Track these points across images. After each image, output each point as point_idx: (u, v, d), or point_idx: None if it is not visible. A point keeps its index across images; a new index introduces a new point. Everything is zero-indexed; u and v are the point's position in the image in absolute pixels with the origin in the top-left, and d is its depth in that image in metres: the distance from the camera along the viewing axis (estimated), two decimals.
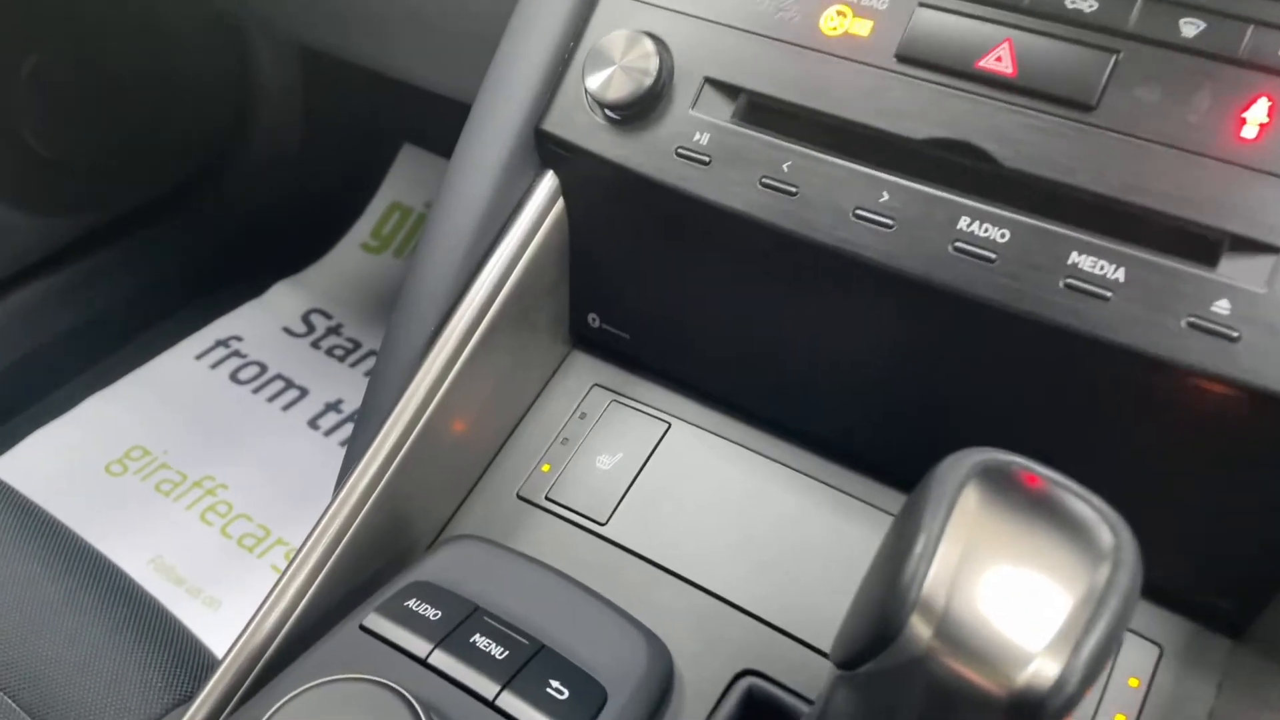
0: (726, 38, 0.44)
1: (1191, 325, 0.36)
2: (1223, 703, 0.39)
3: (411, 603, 0.42)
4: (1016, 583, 0.28)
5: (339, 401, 1.27)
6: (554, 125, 0.47)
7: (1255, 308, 0.35)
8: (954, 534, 0.29)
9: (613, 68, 0.45)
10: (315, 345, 1.35)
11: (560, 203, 0.49)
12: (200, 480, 1.15)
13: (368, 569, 0.46)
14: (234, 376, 1.29)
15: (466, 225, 0.48)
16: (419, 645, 0.40)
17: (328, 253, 1.48)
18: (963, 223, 0.39)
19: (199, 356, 1.31)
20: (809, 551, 0.44)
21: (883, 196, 0.40)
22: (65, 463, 1.15)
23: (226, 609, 1.03)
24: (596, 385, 0.52)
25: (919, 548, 0.28)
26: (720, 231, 0.44)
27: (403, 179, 1.51)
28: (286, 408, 1.26)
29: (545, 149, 0.48)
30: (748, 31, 0.44)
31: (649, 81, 0.44)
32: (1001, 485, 0.29)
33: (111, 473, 1.16)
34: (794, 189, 0.42)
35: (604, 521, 0.47)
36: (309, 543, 0.44)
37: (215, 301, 1.38)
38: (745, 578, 0.44)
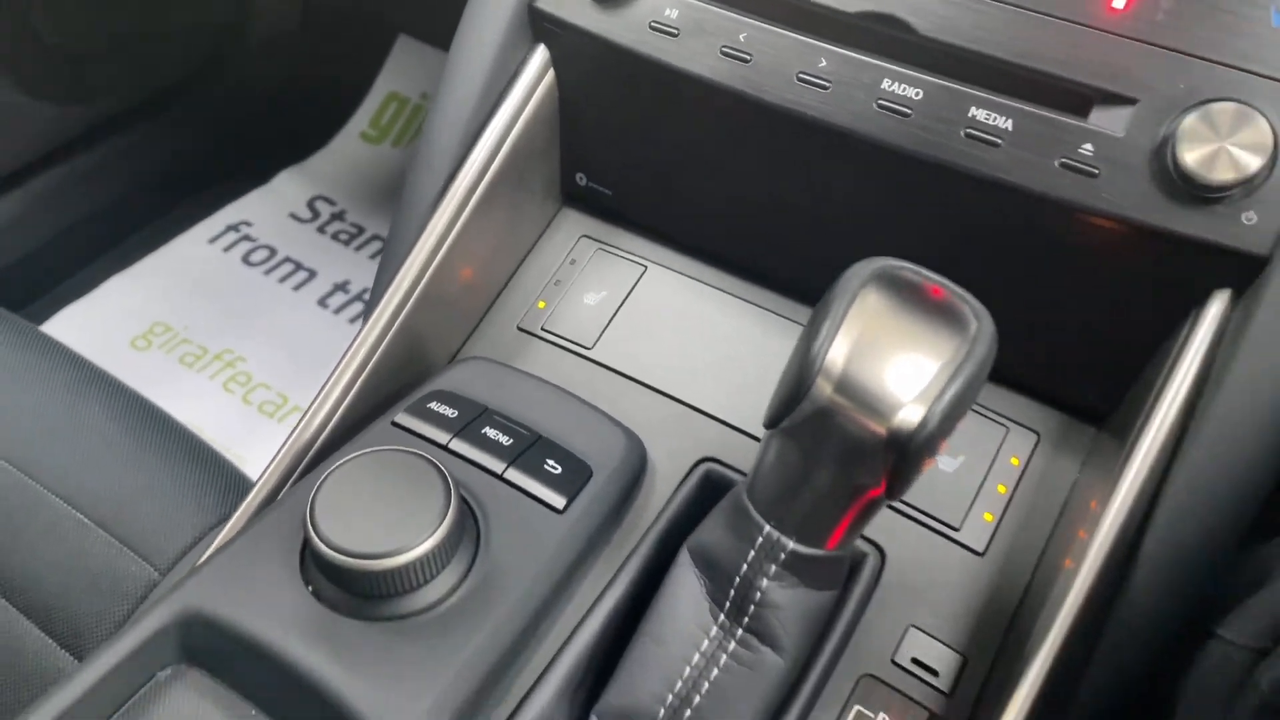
0: None
1: (1063, 165, 0.44)
2: (1084, 476, 0.48)
3: (433, 404, 0.51)
4: (897, 353, 0.37)
5: (346, 282, 1.35)
6: (546, 4, 0.54)
7: (1114, 149, 0.43)
8: (852, 319, 0.37)
9: None
10: (321, 230, 1.43)
11: (550, 74, 0.56)
12: (220, 353, 1.24)
13: (392, 385, 0.55)
14: (246, 259, 1.37)
15: (469, 96, 0.56)
16: (440, 435, 0.49)
17: (329, 142, 1.54)
18: (885, 84, 0.47)
19: (212, 240, 1.38)
20: (758, 365, 0.53)
21: (821, 63, 0.48)
22: (92, 338, 1.23)
23: (251, 465, 1.13)
24: (584, 236, 0.61)
25: (825, 329, 0.37)
26: (687, 95, 0.51)
27: (399, 70, 1.56)
28: (297, 288, 1.34)
29: (538, 25, 0.55)
30: None
31: None
32: (892, 283, 0.38)
33: (136, 347, 1.24)
34: (748, 56, 0.49)
35: (590, 346, 0.56)
36: (341, 363, 0.53)
37: (225, 189, 1.44)
38: (706, 387, 0.53)
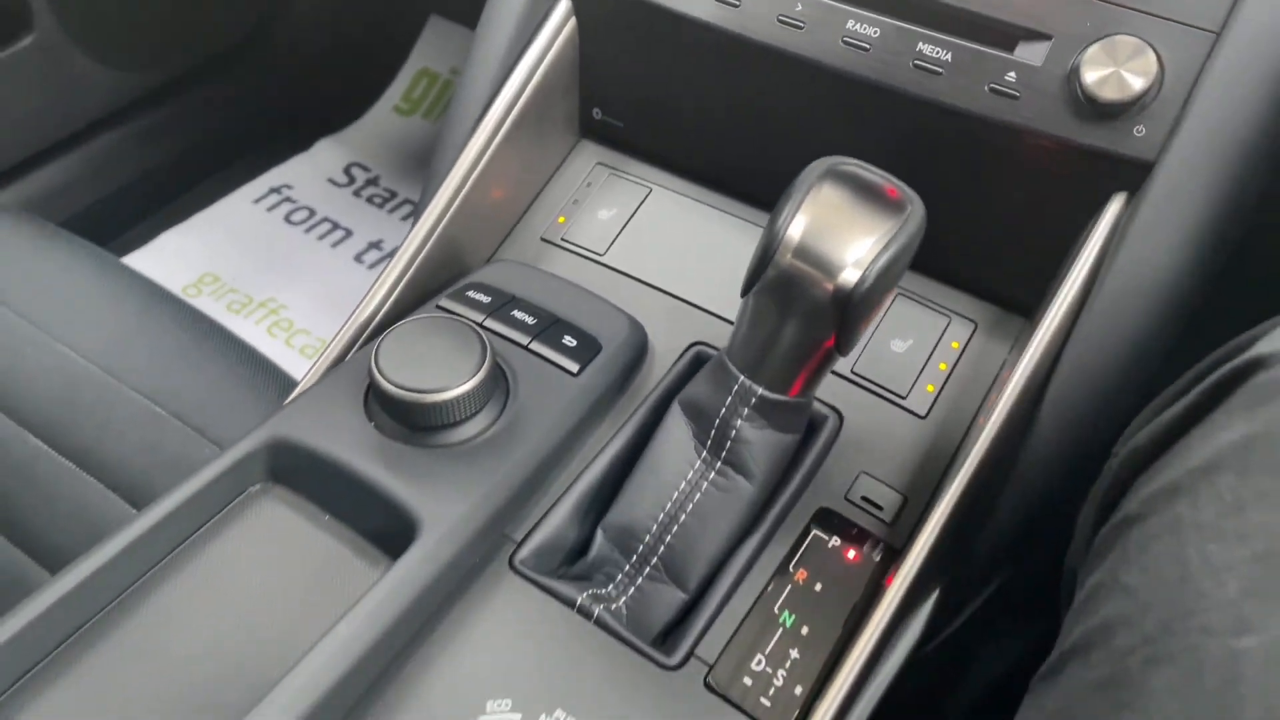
0: None
1: (991, 90, 0.54)
2: (1010, 356, 0.58)
3: (470, 292, 0.61)
4: (842, 229, 0.46)
5: (380, 241, 1.45)
6: None
7: (1032, 77, 0.53)
8: (808, 203, 0.46)
9: None
10: (356, 194, 1.53)
11: (572, 22, 0.66)
12: (264, 301, 1.35)
13: (434, 282, 0.65)
14: (288, 218, 1.48)
15: (501, 42, 0.66)
16: (476, 315, 0.59)
17: (364, 114, 1.64)
18: (849, 24, 0.57)
19: (256, 201, 1.49)
20: (739, 266, 0.62)
21: (798, 7, 0.58)
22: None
23: None
24: (599, 163, 0.71)
25: (787, 210, 0.46)
26: (685, 35, 0.61)
27: (430, 47, 1.67)
28: (334, 245, 1.44)
29: None
30: None
31: None
32: (841, 176, 0.47)
33: (188, 294, 1.35)
34: (737, 3, 0.59)
35: (603, 253, 0.66)
36: (392, 261, 0.63)
37: (268, 155, 1.55)
38: (697, 285, 0.63)
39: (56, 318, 0.83)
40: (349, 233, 1.46)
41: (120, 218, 1.38)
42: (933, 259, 0.61)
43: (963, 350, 0.59)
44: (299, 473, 0.52)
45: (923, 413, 0.58)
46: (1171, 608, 0.33)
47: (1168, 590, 0.34)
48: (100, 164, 1.34)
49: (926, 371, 0.59)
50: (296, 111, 1.60)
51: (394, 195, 1.53)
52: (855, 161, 0.48)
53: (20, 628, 0.44)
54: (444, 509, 0.49)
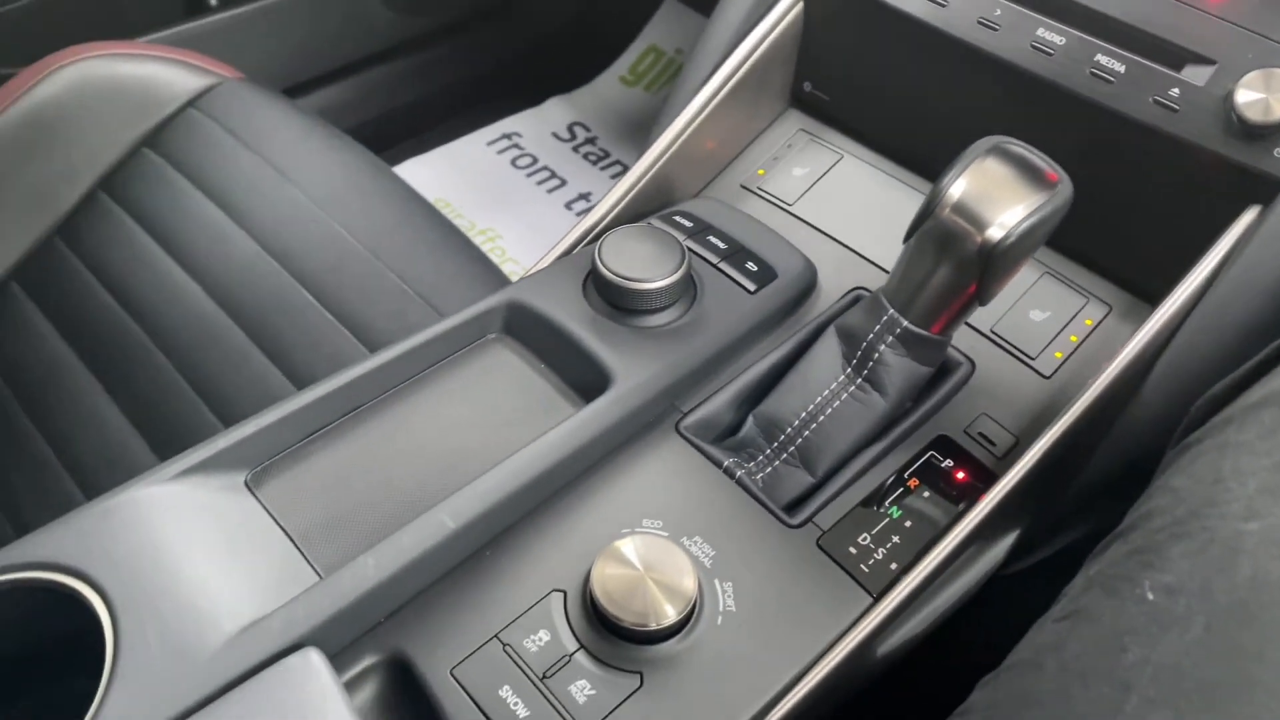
0: None
1: (1155, 101, 0.61)
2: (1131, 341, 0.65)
3: (677, 217, 0.74)
4: (996, 195, 0.55)
5: (589, 193, 1.61)
6: None
7: (1194, 95, 0.60)
8: (971, 170, 0.56)
9: None
10: (575, 150, 1.70)
11: (800, 4, 0.78)
12: (485, 229, 1.53)
13: (649, 206, 0.78)
14: (514, 162, 1.66)
15: (732, 21, 0.78)
16: (679, 235, 0.72)
17: (593, 80, 1.81)
18: (1039, 31, 0.66)
19: (489, 143, 1.68)
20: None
21: (996, 12, 0.67)
22: None
23: None
24: (801, 129, 0.82)
25: (952, 173, 0.56)
26: (895, 26, 0.71)
27: (662, 26, 1.82)
28: (550, 191, 1.62)
29: None
30: None
31: None
32: (1004, 152, 0.57)
33: None
34: (945, 3, 0.69)
35: (791, 204, 0.77)
36: (617, 183, 0.76)
37: (503, 105, 1.74)
38: (868, 240, 0.73)
39: (337, 203, 1.02)
40: (564, 182, 1.63)
41: (371, 140, 1.60)
42: (1081, 244, 0.69)
43: (1094, 328, 0.67)
44: (525, 329, 0.66)
45: (1048, 374, 0.66)
46: (1201, 500, 0.42)
47: (1202, 489, 0.43)
48: (368, 92, 1.55)
49: (1058, 340, 0.67)
50: (536, 70, 1.78)
51: (607, 155, 1.69)
52: (1019, 142, 0.57)
53: (274, 420, 0.58)
54: (632, 371, 0.62)
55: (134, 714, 0.44)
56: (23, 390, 0.97)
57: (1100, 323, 0.67)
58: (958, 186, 0.56)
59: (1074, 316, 0.68)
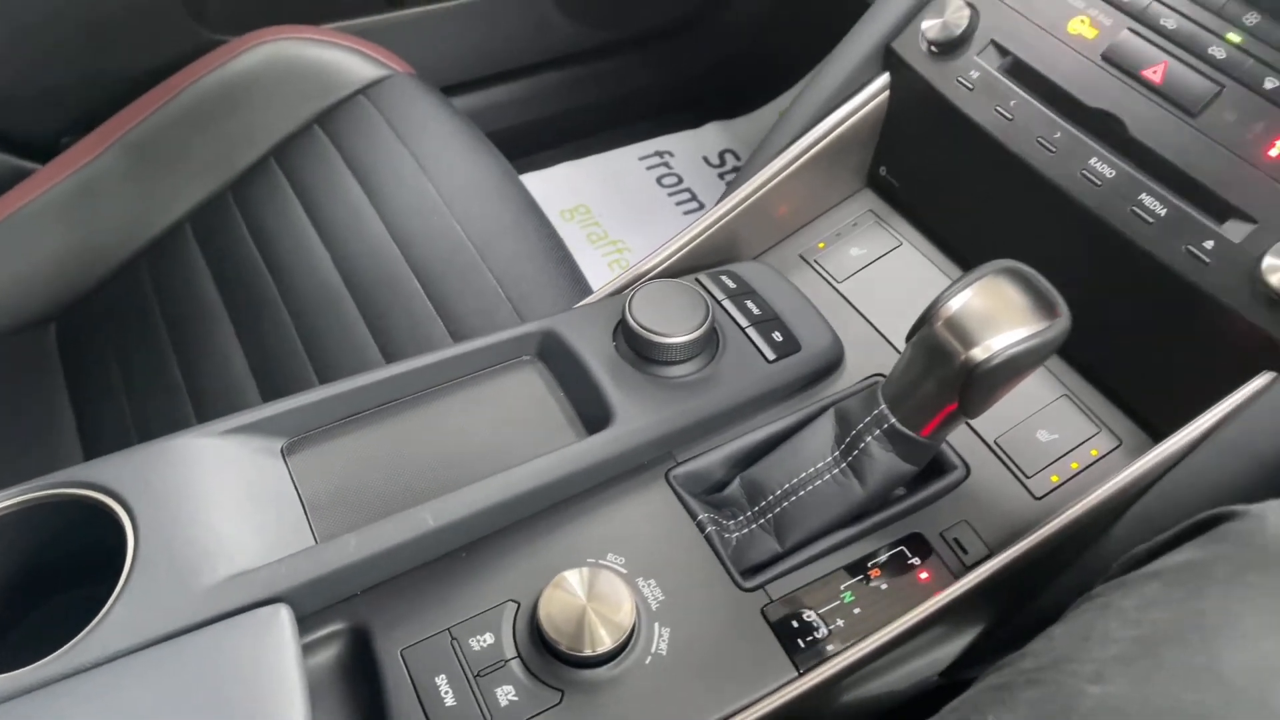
0: (1011, 18, 0.72)
1: (1188, 250, 0.61)
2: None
3: (724, 276, 0.78)
4: (992, 316, 0.57)
5: None
6: (898, 45, 0.78)
7: (1228, 250, 0.60)
8: (974, 287, 0.58)
9: (940, 19, 0.75)
10: (721, 176, 1.75)
11: (886, 93, 0.80)
12: (616, 240, 1.61)
13: (705, 261, 0.83)
14: (659, 180, 1.73)
15: (826, 91, 0.81)
16: (719, 294, 0.76)
17: (754, 111, 1.85)
18: (1091, 160, 0.66)
19: (641, 159, 1.76)
20: None
21: (1056, 134, 0.68)
22: (538, 200, 1.65)
23: None
24: (869, 210, 0.84)
25: (955, 287, 0.58)
26: (964, 130, 0.73)
27: None
28: (687, 212, 1.67)
29: (889, 58, 0.79)
30: (1024, 17, 0.72)
31: (958, 32, 0.74)
32: (1013, 275, 0.58)
33: (563, 216, 1.65)
34: (1010, 117, 0.70)
35: (840, 281, 0.80)
36: (677, 235, 0.81)
37: (664, 122, 1.81)
38: (901, 329, 0.75)
39: (461, 201, 1.11)
40: (702, 205, 1.68)
41: (530, 142, 1.70)
42: (1107, 373, 0.69)
43: (1099, 459, 0.67)
44: (555, 357, 0.73)
45: (1039, 495, 0.67)
46: (1064, 653, 0.44)
47: (1071, 644, 0.44)
48: (537, 94, 1.66)
49: (1058, 464, 0.67)
50: (704, 92, 1.84)
51: None
52: (1030, 270, 0.59)
53: (319, 399, 0.66)
54: (633, 415, 0.68)
55: (132, 623, 0.54)
56: (173, 322, 1.12)
57: (1106, 455, 0.67)
58: (957, 300, 0.58)
59: (1081, 444, 0.68)
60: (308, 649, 0.58)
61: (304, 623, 0.58)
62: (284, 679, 0.52)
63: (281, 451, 0.66)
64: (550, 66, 1.66)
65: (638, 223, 1.64)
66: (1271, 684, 0.39)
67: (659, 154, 1.77)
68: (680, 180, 1.72)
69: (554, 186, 1.68)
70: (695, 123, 1.82)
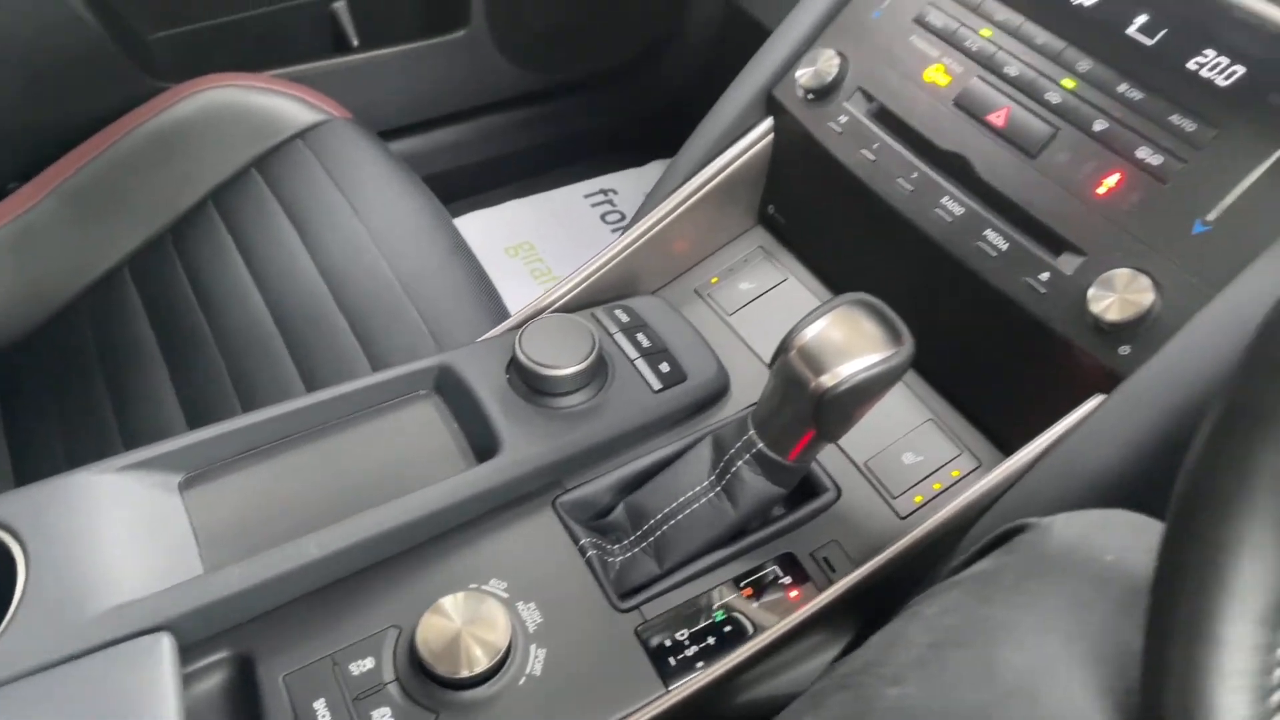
0: (877, 66, 0.77)
1: (1026, 282, 0.65)
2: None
3: (618, 310, 0.82)
4: (841, 345, 0.61)
5: None
6: (778, 92, 0.83)
7: (1061, 281, 0.64)
8: (827, 318, 0.62)
9: (813, 68, 0.79)
10: None
11: (770, 136, 0.85)
12: (559, 276, 1.65)
13: (605, 294, 0.86)
14: (603, 217, 1.77)
15: (714, 134, 0.86)
16: (612, 327, 0.80)
17: None
18: (944, 199, 0.70)
19: (586, 196, 1.80)
20: None
21: (914, 174, 0.72)
22: (484, 237, 1.68)
23: None
24: (760, 246, 0.88)
25: (810, 317, 0.62)
26: (837, 172, 0.78)
27: None
28: None
29: (771, 103, 0.84)
30: (888, 66, 0.76)
31: (829, 80, 0.78)
32: (863, 307, 0.62)
33: (507, 253, 1.68)
34: (875, 158, 0.75)
35: (730, 314, 0.84)
36: (580, 270, 0.85)
37: (609, 160, 1.86)
38: None
39: (389, 240, 1.15)
40: None
41: (476, 182, 1.75)
42: (968, 398, 0.73)
43: (958, 479, 0.71)
44: (451, 391, 0.76)
45: (903, 514, 0.70)
46: (873, 657, 0.47)
47: (880, 649, 0.48)
48: (476, 137, 1.70)
49: (922, 485, 0.71)
50: (649, 132, 1.89)
51: None
52: (879, 302, 0.63)
53: (216, 435, 0.68)
54: (520, 444, 0.71)
55: (13, 654, 0.56)
56: (109, 363, 1.15)
57: (965, 476, 0.71)
58: (810, 330, 0.62)
59: (943, 465, 0.72)
60: (192, 677, 0.61)
61: (189, 651, 0.60)
62: (160, 706, 0.55)
63: (179, 486, 0.69)
64: (495, 109, 1.71)
65: (582, 259, 1.67)
66: (1043, 682, 0.43)
67: (604, 191, 1.81)
68: (624, 217, 1.77)
69: (499, 224, 1.72)
70: (639, 161, 1.87)
